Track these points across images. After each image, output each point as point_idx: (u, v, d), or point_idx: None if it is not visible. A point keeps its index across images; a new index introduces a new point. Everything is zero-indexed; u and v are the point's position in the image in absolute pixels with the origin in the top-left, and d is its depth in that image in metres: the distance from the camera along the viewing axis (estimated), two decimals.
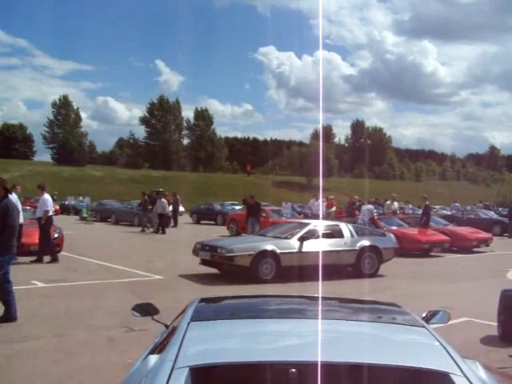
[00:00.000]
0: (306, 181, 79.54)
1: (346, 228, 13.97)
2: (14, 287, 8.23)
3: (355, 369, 2.39)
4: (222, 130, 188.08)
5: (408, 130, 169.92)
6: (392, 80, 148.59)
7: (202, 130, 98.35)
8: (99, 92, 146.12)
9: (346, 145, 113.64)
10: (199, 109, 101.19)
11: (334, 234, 13.79)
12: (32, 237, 15.87)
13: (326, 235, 13.61)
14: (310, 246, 12.90)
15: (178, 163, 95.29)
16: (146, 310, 4.05)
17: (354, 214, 23.15)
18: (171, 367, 2.31)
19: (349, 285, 12.15)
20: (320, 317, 3.08)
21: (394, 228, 19.56)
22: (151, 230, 26.96)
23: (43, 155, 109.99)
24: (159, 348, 3.02)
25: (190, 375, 2.29)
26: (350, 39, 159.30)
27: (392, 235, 15.29)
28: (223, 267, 12.76)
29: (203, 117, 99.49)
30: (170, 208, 28.63)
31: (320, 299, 3.78)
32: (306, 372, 2.43)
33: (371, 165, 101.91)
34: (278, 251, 12.54)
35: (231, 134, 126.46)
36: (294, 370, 2.47)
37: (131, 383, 2.75)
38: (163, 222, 26.48)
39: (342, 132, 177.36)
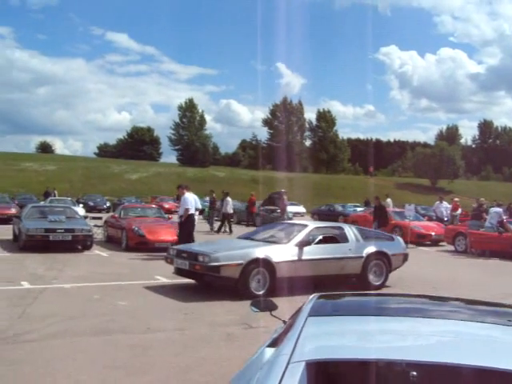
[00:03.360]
0: (430, 183, 77.34)
1: (350, 231, 11.77)
2: (137, 282, 8.46)
3: (479, 373, 2.23)
4: (344, 132, 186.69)
5: None
6: None
7: (325, 132, 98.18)
8: (222, 95, 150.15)
9: (473, 146, 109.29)
10: (321, 110, 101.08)
11: (337, 237, 11.62)
12: (157, 234, 16.51)
13: (329, 239, 11.45)
14: (310, 252, 10.81)
15: (300, 164, 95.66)
16: (265, 305, 4.04)
17: (481, 217, 22.15)
18: (287, 361, 2.27)
19: None
20: (441, 317, 2.93)
21: None
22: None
23: (169, 157, 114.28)
24: (276, 342, 2.99)
25: (306, 370, 2.23)
26: (477, 35, 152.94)
27: (401, 239, 13.12)
28: (204, 278, 10.44)
29: (325, 118, 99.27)
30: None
31: (442, 299, 3.62)
32: (423, 373, 2.30)
33: (500, 166, 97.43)
34: (273, 259, 10.26)
35: (353, 136, 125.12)
36: (411, 371, 2.36)
37: (247, 375, 2.74)
38: (228, 222, 26.02)
39: (468, 132, 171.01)
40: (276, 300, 9.14)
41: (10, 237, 18.58)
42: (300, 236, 10.98)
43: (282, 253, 10.49)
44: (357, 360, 2.34)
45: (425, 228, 22.49)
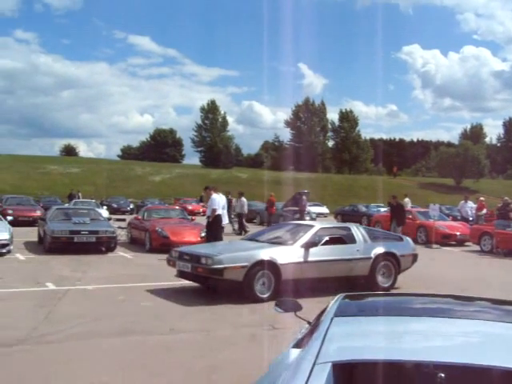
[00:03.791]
0: (455, 182, 76.63)
1: (357, 231, 11.40)
2: (161, 283, 8.48)
3: (507, 375, 2.16)
4: (367, 132, 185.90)
5: None
6: None
7: (347, 132, 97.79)
8: (244, 96, 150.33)
9: (498, 144, 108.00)
10: (344, 110, 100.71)
11: (345, 238, 11.26)
12: (180, 235, 16.53)
13: (335, 240, 11.09)
14: (317, 253, 10.44)
15: (322, 165, 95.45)
16: (290, 305, 4.00)
17: (507, 217, 21.85)
18: (313, 362, 2.23)
19: None
20: (467, 317, 2.86)
21: None
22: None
23: (192, 158, 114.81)
24: (301, 343, 2.94)
25: (332, 371, 2.19)
26: (501, 33, 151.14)
27: (410, 239, 12.61)
28: (207, 282, 10.18)
29: (348, 118, 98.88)
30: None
31: (468, 299, 3.54)
32: (451, 375, 2.25)
33: None
34: (278, 261, 9.92)
35: (376, 136, 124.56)
36: (438, 372, 2.30)
37: (272, 376, 2.71)
38: (242, 222, 25.76)
39: (492, 131, 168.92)
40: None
41: (36, 239, 18.75)
42: (306, 237, 10.63)
43: (287, 254, 10.17)
44: (384, 361, 2.29)
45: (450, 228, 22.25)
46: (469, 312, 3.07)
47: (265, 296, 9.68)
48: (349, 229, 11.59)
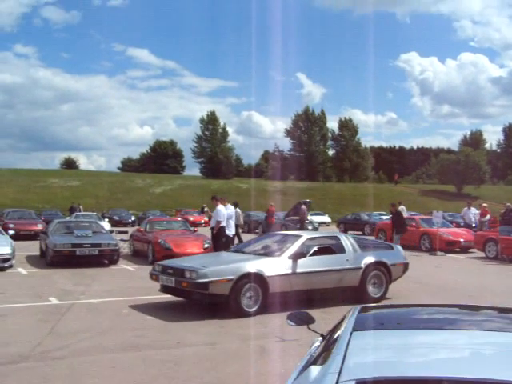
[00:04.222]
0: (456, 189, 76.48)
1: (346, 241, 11.06)
2: (166, 296, 8.38)
3: None
4: (367, 140, 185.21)
5: None
6: None
7: (347, 141, 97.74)
8: (243, 107, 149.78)
9: (499, 150, 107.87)
10: (343, 119, 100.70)
11: (334, 248, 10.89)
12: (183, 247, 16.40)
13: (324, 250, 10.72)
14: (305, 265, 10.11)
15: (323, 174, 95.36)
16: (302, 318, 3.89)
17: (511, 222, 21.73)
18: (335, 380, 2.12)
19: None
20: (498, 329, 2.75)
21: None
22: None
23: (192, 169, 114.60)
24: (320, 359, 2.81)
25: None
26: (498, 39, 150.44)
27: (400, 248, 12.40)
28: (192, 296, 9.72)
29: (347, 127, 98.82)
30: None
31: (498, 310, 3.42)
32: None
33: None
34: (266, 274, 9.56)
35: (375, 144, 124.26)
36: None
37: None
38: (238, 233, 25.44)
39: (492, 137, 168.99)
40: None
41: (37, 252, 18.64)
42: (293, 248, 10.29)
43: (274, 266, 9.81)
44: (412, 378, 2.17)
45: (454, 235, 22.12)
46: (499, 324, 2.95)
47: (252, 310, 9.40)
48: (338, 238, 11.29)
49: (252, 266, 9.64)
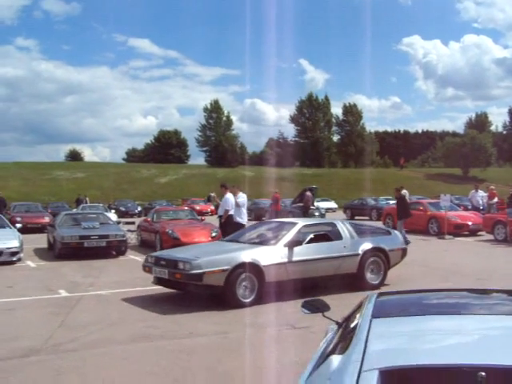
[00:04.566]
0: (462, 172, 76.26)
1: (343, 227, 10.87)
2: None
3: None
4: (371, 125, 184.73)
5: None
6: None
7: (352, 126, 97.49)
8: (246, 95, 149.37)
9: (504, 132, 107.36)
10: (347, 104, 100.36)
11: (330, 235, 10.68)
12: (191, 236, 16.37)
13: (321, 237, 10.52)
14: (301, 253, 9.91)
15: (328, 160, 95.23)
16: (317, 306, 3.84)
17: None
18: (358, 369, 2.06)
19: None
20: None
21: None
22: None
23: (197, 158, 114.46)
24: (339, 347, 2.76)
25: (380, 378, 2.02)
26: (502, 20, 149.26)
27: (398, 233, 12.23)
28: (186, 288, 9.55)
29: (352, 112, 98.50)
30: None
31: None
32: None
33: None
34: (261, 263, 9.37)
35: (380, 128, 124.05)
36: (498, 377, 2.11)
37: None
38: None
39: (497, 119, 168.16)
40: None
41: (45, 245, 18.66)
42: (289, 235, 10.09)
43: (270, 255, 9.61)
44: (436, 366, 2.11)
45: (461, 218, 22.01)
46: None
47: (248, 300, 9.22)
48: (334, 225, 11.06)
49: (247, 255, 9.45)
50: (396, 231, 12.48)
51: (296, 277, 9.67)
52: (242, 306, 9.09)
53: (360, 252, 10.57)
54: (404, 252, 11.54)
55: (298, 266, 9.79)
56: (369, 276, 10.69)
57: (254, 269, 9.30)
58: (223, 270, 9.08)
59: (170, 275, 9.40)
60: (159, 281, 9.97)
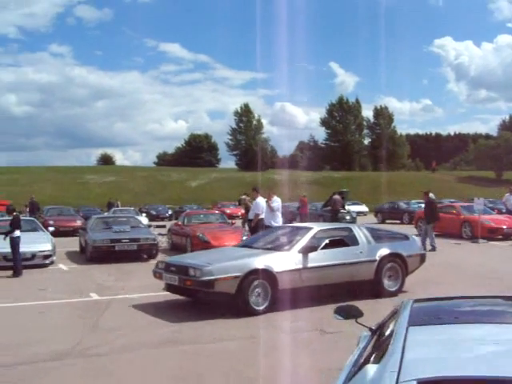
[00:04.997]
0: (495, 175, 75.04)
1: (359, 232, 10.48)
2: None
3: None
4: (402, 128, 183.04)
5: None
6: None
7: (383, 129, 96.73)
8: (276, 98, 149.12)
9: None
10: (378, 107, 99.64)
11: (346, 240, 10.34)
12: (221, 239, 16.34)
13: (336, 243, 10.18)
14: (316, 259, 9.57)
15: (359, 163, 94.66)
16: (350, 312, 3.75)
17: None
18: (395, 380, 1.97)
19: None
20: None
21: None
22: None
23: (227, 162, 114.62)
24: (374, 356, 2.66)
25: None
26: None
27: (416, 238, 11.86)
28: (197, 295, 9.32)
29: (383, 115, 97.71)
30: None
31: None
32: None
33: None
34: (275, 270, 9.05)
35: (411, 131, 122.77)
36: None
37: None
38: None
39: None
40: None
41: (77, 248, 18.82)
42: (303, 241, 9.77)
43: (284, 261, 9.31)
44: (479, 378, 2.01)
45: (495, 222, 21.60)
46: None
47: (260, 308, 8.93)
48: (350, 230, 10.75)
49: (260, 261, 9.17)
50: (414, 236, 12.06)
51: (311, 284, 9.37)
52: (254, 313, 8.83)
53: (377, 258, 10.20)
54: (422, 257, 11.12)
55: (313, 273, 9.49)
56: (386, 283, 10.33)
57: (267, 275, 9.02)
58: (235, 277, 8.80)
59: (181, 282, 9.12)
60: (170, 287, 9.75)
